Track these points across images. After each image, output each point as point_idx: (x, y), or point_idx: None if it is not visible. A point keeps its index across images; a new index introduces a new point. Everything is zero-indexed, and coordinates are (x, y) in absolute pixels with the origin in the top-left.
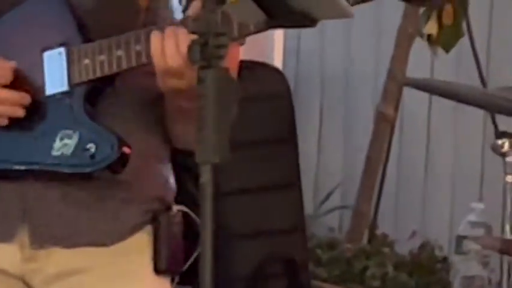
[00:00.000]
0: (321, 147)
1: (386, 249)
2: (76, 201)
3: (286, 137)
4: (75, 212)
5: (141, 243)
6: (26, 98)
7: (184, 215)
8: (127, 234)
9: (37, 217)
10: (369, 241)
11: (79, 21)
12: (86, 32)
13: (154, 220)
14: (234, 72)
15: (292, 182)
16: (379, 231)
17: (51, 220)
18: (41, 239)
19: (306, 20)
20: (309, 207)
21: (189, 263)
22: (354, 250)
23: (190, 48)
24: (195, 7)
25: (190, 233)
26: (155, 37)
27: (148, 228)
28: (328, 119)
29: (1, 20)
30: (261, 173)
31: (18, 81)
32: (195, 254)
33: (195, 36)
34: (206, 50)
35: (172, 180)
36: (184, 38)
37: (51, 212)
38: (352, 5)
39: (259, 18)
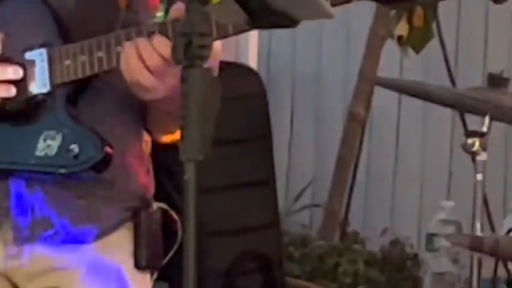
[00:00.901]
0: (293, 146)
1: (357, 246)
2: (58, 199)
3: (261, 136)
4: (57, 210)
5: (122, 239)
6: (18, 72)
7: (163, 212)
8: (108, 231)
9: (20, 215)
10: (341, 238)
11: (59, 22)
12: (66, 32)
13: (134, 217)
14: (215, 71)
15: (266, 180)
16: (350, 229)
17: (34, 218)
18: (24, 237)
19: (287, 21)
20: (281, 205)
21: (167, 258)
22: (325, 247)
23: (174, 48)
24: (175, 10)
25: (169, 229)
26: (122, 53)
27: (129, 225)
28: (299, 119)
29: None
30: (237, 171)
31: None
32: (172, 250)
33: (163, 44)
34: (190, 50)
35: (151, 178)
36: (147, 50)
37: (33, 209)
38: (332, 6)
39: (241, 19)
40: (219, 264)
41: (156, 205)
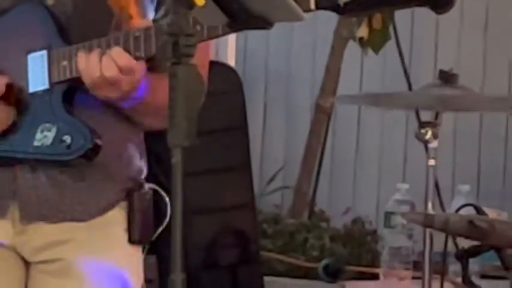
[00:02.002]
0: (266, 135)
1: (323, 224)
2: (59, 182)
3: (239, 126)
4: (58, 192)
5: (117, 217)
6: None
7: (154, 192)
8: (104, 210)
9: (25, 197)
10: (309, 217)
11: (59, 27)
12: (66, 35)
13: (128, 197)
14: (205, 69)
15: (243, 165)
16: (317, 208)
17: (38, 199)
18: (29, 216)
19: (264, 23)
20: (255, 187)
21: (156, 234)
22: (295, 224)
23: (162, 47)
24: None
25: (158, 208)
26: (80, 60)
27: (123, 204)
28: (271, 111)
29: None
30: (217, 157)
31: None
32: (161, 226)
33: (120, 56)
34: (177, 49)
35: (144, 161)
36: (107, 61)
37: (37, 192)
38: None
39: (223, 21)
40: (201, 240)
41: (147, 186)
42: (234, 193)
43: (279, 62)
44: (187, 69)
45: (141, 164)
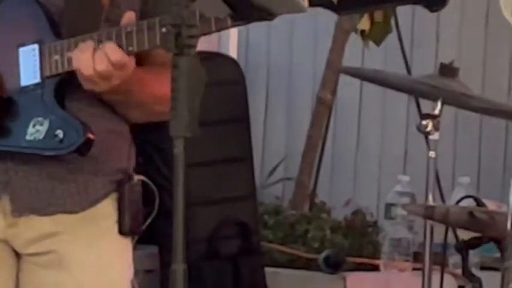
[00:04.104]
0: (267, 127)
1: (324, 215)
2: (50, 175)
3: (241, 118)
4: (49, 185)
5: (107, 208)
6: None
7: (143, 184)
8: (95, 202)
9: (17, 189)
10: (310, 208)
11: (50, 19)
12: (57, 28)
13: (118, 188)
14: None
15: (245, 156)
16: (318, 200)
17: (29, 192)
18: (20, 209)
19: (266, 14)
20: (257, 179)
21: (146, 224)
22: (296, 216)
23: (165, 38)
24: (127, 18)
25: (147, 199)
26: (74, 54)
27: (114, 196)
28: (273, 103)
29: None
30: (219, 148)
31: None
32: (151, 217)
33: (113, 51)
34: (179, 40)
35: (134, 152)
36: (99, 56)
37: (29, 184)
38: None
39: (224, 13)
40: (203, 231)
41: (137, 177)
42: (235, 184)
43: (280, 55)
44: (189, 60)
45: (130, 156)
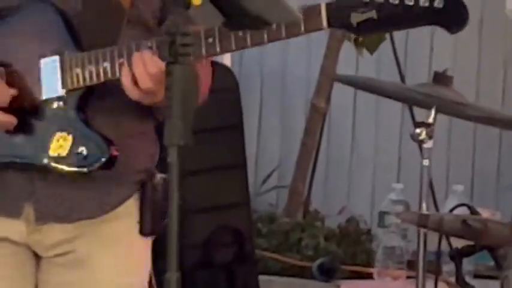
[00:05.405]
0: (261, 134)
1: (318, 223)
2: (74, 183)
3: (235, 125)
4: (73, 192)
5: (129, 208)
6: (12, 120)
7: (165, 181)
8: (117, 205)
9: (41, 199)
10: (304, 216)
11: (70, 28)
12: (77, 37)
13: (141, 188)
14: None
15: (239, 164)
16: (312, 208)
17: (53, 201)
18: (45, 217)
19: (260, 23)
20: (251, 186)
21: (165, 221)
22: (290, 224)
23: (159, 46)
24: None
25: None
26: (125, 68)
27: (136, 195)
28: (267, 110)
29: (1, 30)
30: (213, 156)
31: (17, 85)
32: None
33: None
34: (174, 48)
35: (157, 152)
36: (151, 61)
37: (53, 193)
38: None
39: (219, 21)
40: (198, 238)
41: (159, 176)
42: (229, 192)
43: (274, 62)
44: (183, 69)
45: (154, 155)
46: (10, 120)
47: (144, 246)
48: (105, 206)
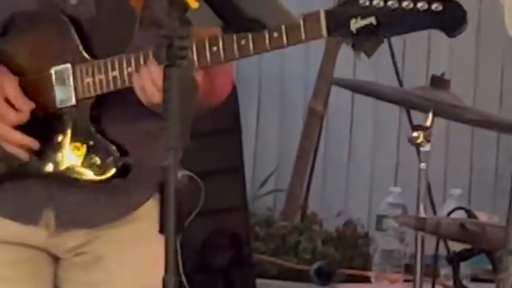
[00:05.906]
0: (259, 137)
1: (315, 227)
2: (92, 189)
3: (232, 128)
4: (92, 197)
5: (150, 208)
6: (34, 144)
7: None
8: (138, 206)
9: (61, 204)
10: (301, 219)
11: (81, 36)
12: (88, 43)
13: (161, 187)
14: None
15: (236, 167)
16: (309, 211)
17: (73, 207)
18: (65, 223)
19: (258, 26)
20: (248, 190)
21: (188, 220)
22: (288, 227)
23: (156, 49)
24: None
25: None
26: (135, 80)
27: (156, 196)
28: (265, 113)
29: (13, 39)
30: (210, 159)
31: (30, 95)
32: (192, 215)
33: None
34: (171, 51)
35: None
36: (158, 73)
37: (72, 199)
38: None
39: (217, 24)
40: (195, 242)
41: (181, 173)
42: (226, 196)
43: (272, 65)
44: (181, 72)
45: None
46: (32, 143)
47: (163, 247)
48: (124, 209)
